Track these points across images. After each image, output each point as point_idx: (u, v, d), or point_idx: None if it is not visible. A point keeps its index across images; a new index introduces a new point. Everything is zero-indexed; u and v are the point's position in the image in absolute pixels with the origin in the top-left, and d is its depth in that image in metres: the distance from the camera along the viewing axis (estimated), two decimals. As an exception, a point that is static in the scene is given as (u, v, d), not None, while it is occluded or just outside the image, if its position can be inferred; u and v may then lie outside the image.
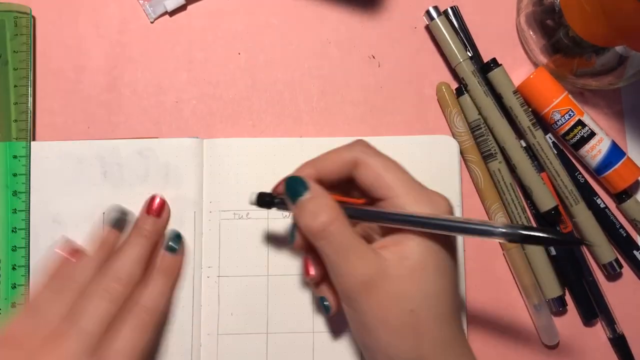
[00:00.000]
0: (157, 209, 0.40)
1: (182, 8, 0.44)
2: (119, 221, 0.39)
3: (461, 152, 0.43)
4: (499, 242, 0.43)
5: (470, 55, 0.43)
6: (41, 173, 0.41)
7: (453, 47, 0.43)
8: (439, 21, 0.43)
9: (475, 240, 0.43)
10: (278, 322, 0.41)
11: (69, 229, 0.41)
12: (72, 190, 0.41)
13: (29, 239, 0.41)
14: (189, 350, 0.40)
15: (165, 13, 0.44)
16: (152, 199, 0.40)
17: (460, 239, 0.42)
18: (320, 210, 0.32)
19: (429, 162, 0.42)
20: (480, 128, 0.42)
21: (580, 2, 0.38)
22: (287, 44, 0.44)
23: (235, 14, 0.44)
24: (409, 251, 0.32)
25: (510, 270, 0.43)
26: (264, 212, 0.41)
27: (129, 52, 0.43)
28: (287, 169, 0.37)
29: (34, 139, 0.42)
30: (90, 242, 0.38)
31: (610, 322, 0.42)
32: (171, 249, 0.39)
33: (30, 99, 0.42)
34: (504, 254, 0.43)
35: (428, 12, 0.43)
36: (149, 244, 0.38)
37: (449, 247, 0.33)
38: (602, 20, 0.37)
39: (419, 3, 0.44)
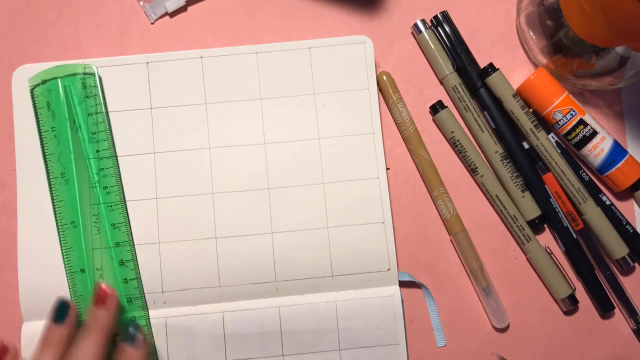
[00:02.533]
0: (103, 298, 0.37)
1: (182, 9, 0.44)
2: (61, 313, 0.36)
3: (405, 143, 0.43)
4: (445, 226, 0.43)
5: (455, 68, 0.43)
6: None
7: (440, 60, 0.43)
8: (426, 35, 0.43)
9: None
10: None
11: None
12: None
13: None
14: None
15: (166, 14, 0.44)
16: (98, 287, 0.38)
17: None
18: None
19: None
20: (459, 144, 0.43)
21: (580, 3, 0.38)
22: (288, 45, 0.44)
23: (236, 14, 0.44)
24: None
25: (458, 254, 0.43)
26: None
27: (129, 52, 0.43)
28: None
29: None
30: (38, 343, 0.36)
31: (633, 314, 0.42)
32: (131, 338, 0.36)
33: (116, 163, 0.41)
34: (451, 240, 0.43)
35: (416, 25, 0.43)
36: (105, 338, 0.36)
37: None
38: (602, 21, 0.37)
39: (419, 3, 0.44)
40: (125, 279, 0.40)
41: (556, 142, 0.43)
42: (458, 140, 0.43)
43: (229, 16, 0.44)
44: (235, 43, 0.44)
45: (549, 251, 0.42)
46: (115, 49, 0.43)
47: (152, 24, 0.44)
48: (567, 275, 0.42)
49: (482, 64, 0.43)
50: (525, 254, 0.43)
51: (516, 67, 0.44)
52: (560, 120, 0.42)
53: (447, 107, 0.43)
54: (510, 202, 0.42)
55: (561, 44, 0.41)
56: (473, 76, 0.43)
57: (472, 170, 0.43)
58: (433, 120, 0.44)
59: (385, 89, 0.43)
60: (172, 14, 0.44)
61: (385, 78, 0.43)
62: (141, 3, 0.44)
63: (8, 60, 0.43)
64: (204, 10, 0.44)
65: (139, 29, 0.44)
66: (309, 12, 0.44)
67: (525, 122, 0.42)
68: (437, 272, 0.43)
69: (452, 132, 0.43)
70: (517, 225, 0.42)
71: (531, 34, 0.43)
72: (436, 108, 0.43)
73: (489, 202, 0.43)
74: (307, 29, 0.44)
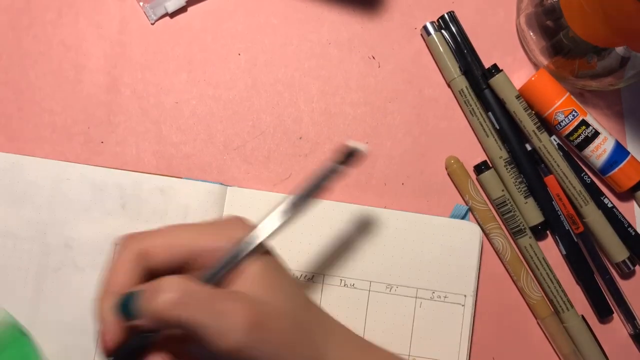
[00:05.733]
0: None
1: (182, 9, 0.44)
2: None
3: (483, 223, 0.42)
4: (532, 311, 0.42)
5: (463, 71, 0.43)
6: (61, 194, 0.41)
7: (448, 63, 0.43)
8: (435, 37, 0.43)
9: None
10: None
11: (78, 256, 0.41)
12: (89, 217, 0.41)
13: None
14: None
15: (166, 14, 0.44)
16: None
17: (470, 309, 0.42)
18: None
19: (450, 246, 0.42)
20: (506, 204, 0.42)
21: (580, 3, 0.38)
22: (287, 44, 0.44)
23: (235, 14, 0.44)
24: (257, 272, 0.30)
25: (547, 338, 0.42)
26: None
27: (129, 52, 0.43)
28: (308, 227, 0.41)
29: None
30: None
31: (631, 318, 0.42)
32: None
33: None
34: (538, 323, 0.42)
35: (425, 28, 0.43)
36: None
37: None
38: (602, 21, 0.37)
39: (419, 4, 0.44)
40: None
41: (558, 144, 0.43)
42: (508, 200, 0.42)
43: (229, 16, 0.44)
44: (235, 42, 0.44)
45: (585, 321, 0.42)
46: (115, 49, 0.43)
47: (152, 24, 0.44)
48: (601, 346, 0.42)
49: (483, 65, 0.43)
50: (562, 323, 0.42)
51: (516, 68, 0.44)
52: (562, 122, 0.42)
53: (491, 167, 0.43)
54: (552, 270, 0.42)
55: (561, 45, 0.41)
56: (478, 77, 0.43)
57: (517, 233, 0.42)
58: (477, 179, 0.43)
59: (456, 174, 0.43)
60: (172, 14, 0.44)
61: (453, 162, 0.43)
62: (141, 3, 0.44)
63: (8, 60, 0.43)
64: (204, 11, 0.44)
65: (139, 29, 0.44)
66: (310, 12, 0.44)
67: (528, 123, 0.42)
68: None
69: (503, 190, 0.42)
70: (558, 292, 0.42)
71: (531, 34, 0.43)
72: (481, 168, 0.43)
73: (528, 264, 0.43)
74: (306, 29, 0.44)
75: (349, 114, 0.43)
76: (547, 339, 0.42)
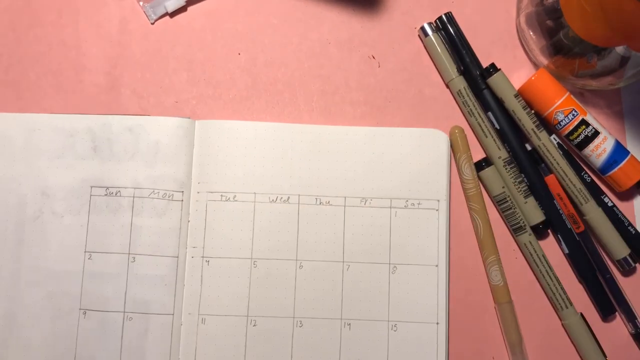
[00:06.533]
0: None
1: (182, 9, 0.44)
2: None
3: (466, 199, 0.43)
4: (492, 295, 0.42)
5: (461, 71, 0.43)
6: (33, 145, 0.42)
7: (446, 64, 0.43)
8: (432, 38, 0.43)
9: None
10: (260, 307, 0.41)
11: (57, 202, 0.41)
12: (62, 164, 0.42)
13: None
14: (169, 329, 0.40)
15: (166, 14, 0.44)
16: None
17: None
18: None
19: (418, 155, 0.42)
20: (507, 201, 0.42)
21: (580, 2, 0.38)
22: (287, 44, 0.44)
23: (235, 14, 0.44)
24: None
25: (499, 324, 0.42)
26: (250, 195, 0.42)
27: (129, 52, 0.43)
28: (278, 154, 0.42)
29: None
30: None
31: (632, 318, 0.42)
32: None
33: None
34: (495, 307, 0.42)
35: (423, 29, 0.43)
36: None
37: None
38: (602, 21, 0.37)
39: (419, 4, 0.44)
40: None
41: (558, 143, 0.43)
42: (508, 197, 0.42)
43: (229, 16, 0.44)
44: (235, 41, 0.44)
45: (584, 318, 0.42)
46: (115, 49, 0.43)
47: (152, 24, 0.44)
48: (600, 344, 0.42)
49: (483, 64, 0.43)
50: (560, 320, 0.42)
51: (516, 67, 0.44)
52: (562, 121, 0.42)
53: (492, 164, 0.43)
54: (552, 268, 0.42)
55: (561, 44, 0.41)
56: (477, 78, 0.43)
57: (517, 230, 0.42)
58: (478, 175, 0.43)
59: (456, 144, 0.43)
60: (172, 14, 0.44)
61: (457, 133, 0.43)
62: (141, 3, 0.44)
63: (8, 60, 0.43)
64: (204, 10, 0.44)
65: (138, 29, 0.44)
66: (309, 12, 0.44)
67: (527, 122, 0.42)
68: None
69: (503, 187, 0.42)
70: (557, 290, 0.42)
71: (531, 33, 0.43)
72: (481, 165, 0.43)
73: (527, 262, 0.43)
74: (306, 29, 0.44)
75: (349, 114, 0.44)
76: (499, 324, 0.42)
